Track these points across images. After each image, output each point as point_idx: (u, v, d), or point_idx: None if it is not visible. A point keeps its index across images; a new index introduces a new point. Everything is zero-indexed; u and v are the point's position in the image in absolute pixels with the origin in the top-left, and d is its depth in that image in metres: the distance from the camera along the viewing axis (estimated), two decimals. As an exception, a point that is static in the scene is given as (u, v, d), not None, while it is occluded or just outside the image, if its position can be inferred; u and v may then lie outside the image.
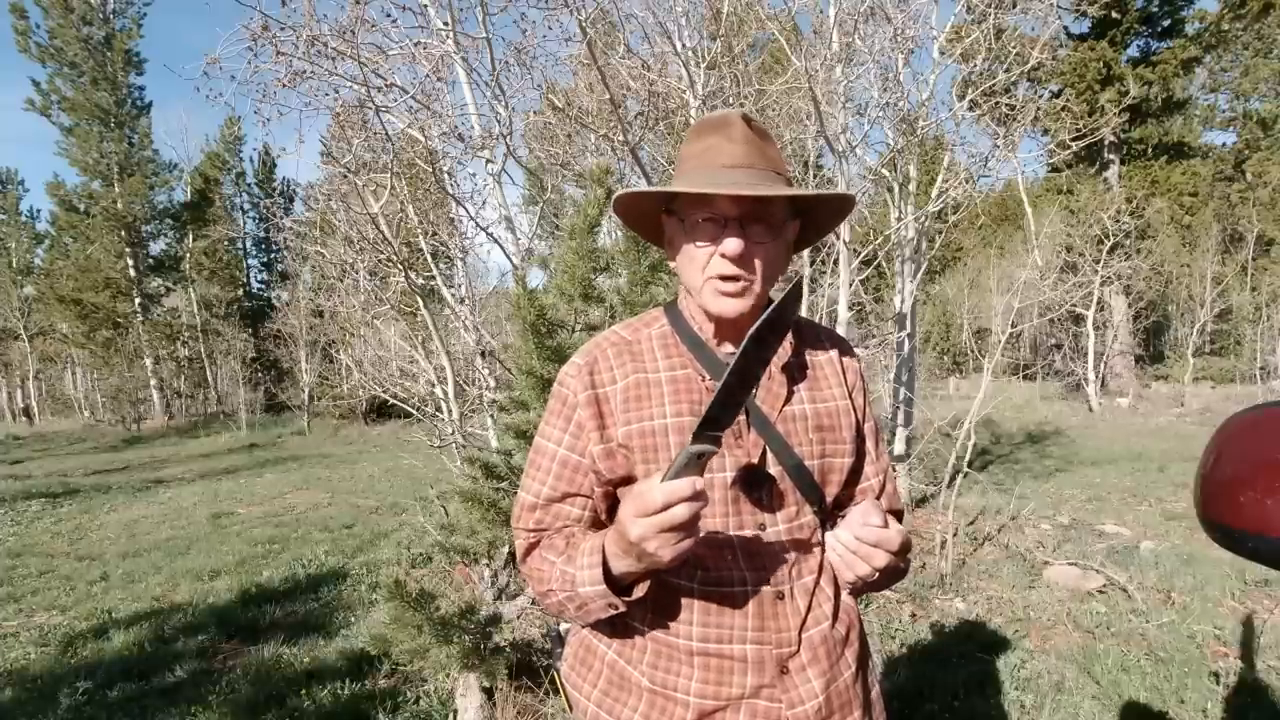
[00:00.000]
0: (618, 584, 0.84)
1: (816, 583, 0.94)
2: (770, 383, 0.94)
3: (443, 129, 3.84)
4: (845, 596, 0.99)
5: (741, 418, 0.91)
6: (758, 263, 0.87)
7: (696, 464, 0.73)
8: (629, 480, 0.93)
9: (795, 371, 0.97)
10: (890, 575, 0.92)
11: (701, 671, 0.90)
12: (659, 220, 0.97)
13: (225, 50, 3.23)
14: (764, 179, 0.86)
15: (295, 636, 3.60)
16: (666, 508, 0.71)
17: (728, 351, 0.95)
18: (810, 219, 0.96)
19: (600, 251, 2.39)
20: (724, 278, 0.86)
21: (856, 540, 0.84)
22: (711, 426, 0.73)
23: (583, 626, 1.01)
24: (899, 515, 1.03)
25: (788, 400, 0.94)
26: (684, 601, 0.90)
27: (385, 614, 2.20)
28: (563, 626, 1.15)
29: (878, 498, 1.03)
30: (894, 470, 1.08)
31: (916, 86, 5.40)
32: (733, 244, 0.84)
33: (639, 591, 0.84)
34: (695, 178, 0.86)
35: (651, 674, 0.93)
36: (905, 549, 0.86)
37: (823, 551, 0.96)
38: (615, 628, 0.96)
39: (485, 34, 3.70)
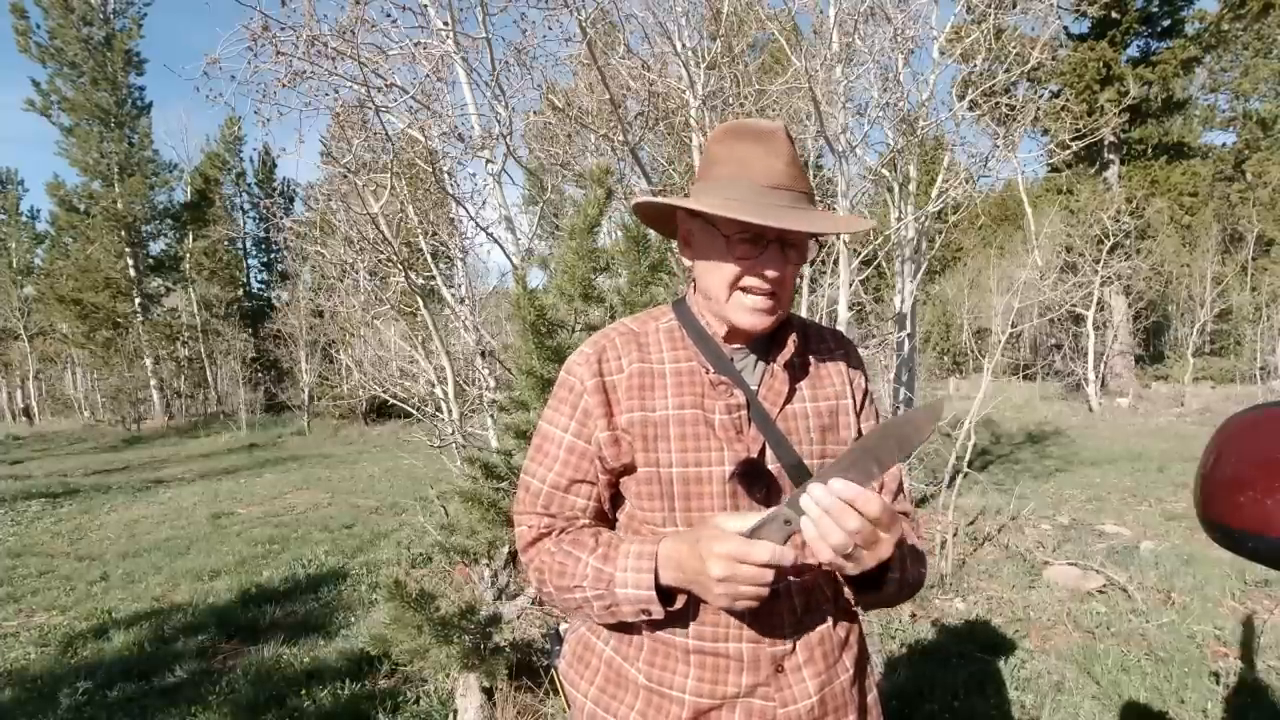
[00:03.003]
0: (660, 590, 0.85)
1: (815, 583, 0.94)
2: (773, 380, 0.94)
3: (443, 129, 3.84)
4: (846, 596, 0.98)
5: (743, 413, 0.91)
6: (787, 280, 0.89)
7: (782, 530, 0.75)
8: (630, 469, 0.93)
9: (798, 369, 0.97)
10: (900, 586, 0.89)
11: (697, 669, 0.90)
12: (673, 215, 0.97)
13: (225, 50, 3.23)
14: (802, 202, 0.86)
15: (295, 636, 3.60)
16: (766, 569, 0.74)
17: (733, 347, 0.96)
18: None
19: (600, 251, 2.39)
20: (758, 293, 0.88)
21: (829, 495, 0.71)
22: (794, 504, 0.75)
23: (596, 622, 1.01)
24: (914, 523, 1.02)
25: (789, 398, 0.94)
26: (681, 599, 0.90)
27: (385, 614, 2.20)
28: (562, 626, 1.15)
29: None
30: (904, 473, 1.05)
31: (916, 86, 5.40)
32: (776, 268, 0.86)
33: (680, 602, 0.86)
34: (738, 190, 0.85)
35: (648, 671, 0.93)
36: (887, 522, 0.73)
37: None
38: (614, 625, 0.96)
39: (485, 34, 3.70)
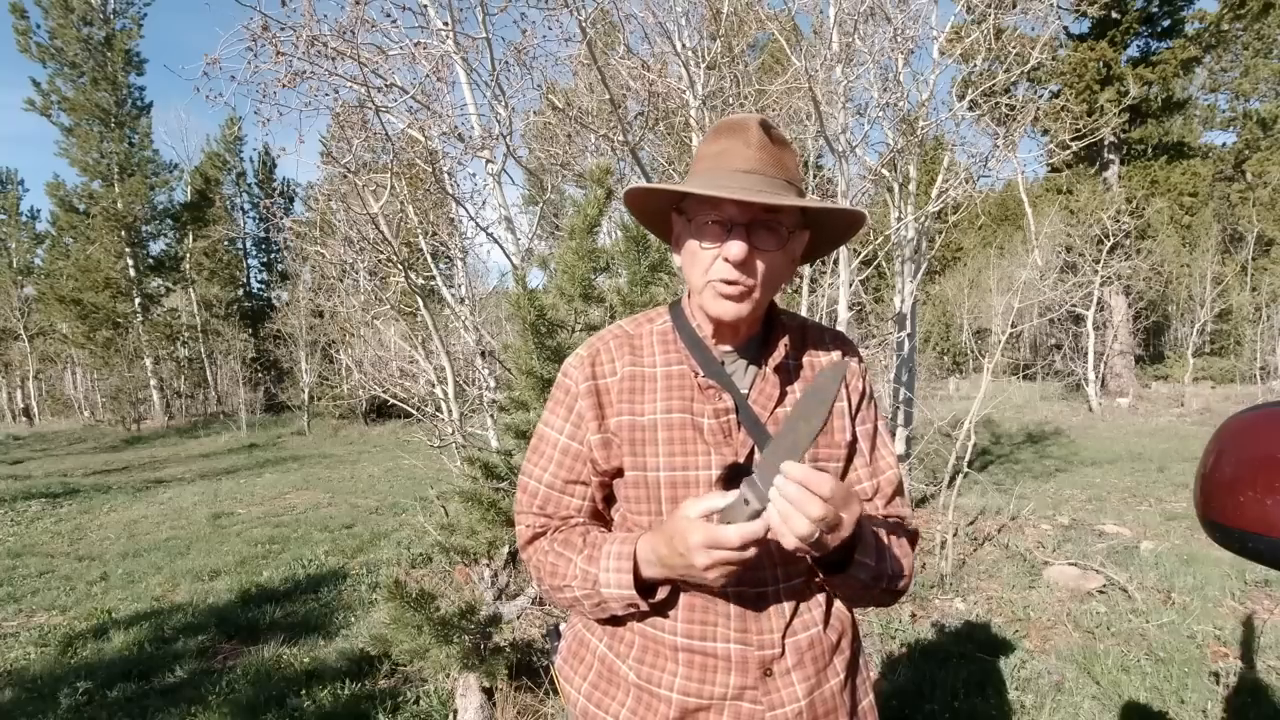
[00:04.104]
0: (643, 585, 0.87)
1: (805, 586, 0.93)
2: (764, 383, 0.93)
3: (443, 129, 3.84)
4: (837, 599, 0.98)
5: (731, 417, 0.91)
6: (760, 268, 0.86)
7: (744, 510, 0.76)
8: (620, 472, 0.94)
9: (791, 372, 0.96)
10: (876, 577, 0.87)
11: (685, 669, 0.91)
12: (669, 218, 0.97)
13: (225, 50, 3.23)
14: (776, 187, 0.85)
15: (295, 636, 3.60)
16: (743, 548, 0.75)
17: (724, 350, 0.95)
18: (821, 231, 0.95)
19: (600, 251, 2.39)
20: (725, 281, 0.86)
21: (790, 484, 0.71)
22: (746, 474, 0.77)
23: (590, 618, 1.01)
24: (904, 525, 0.99)
25: (780, 401, 0.93)
26: (671, 598, 0.91)
27: (385, 614, 2.20)
28: (562, 624, 1.16)
29: (870, 500, 0.99)
30: (904, 475, 1.04)
31: (916, 86, 5.40)
32: (736, 248, 0.83)
33: (662, 593, 0.89)
34: (707, 179, 0.86)
35: (638, 669, 0.93)
36: (842, 500, 0.73)
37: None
38: (607, 620, 0.97)
39: (485, 34, 3.70)
